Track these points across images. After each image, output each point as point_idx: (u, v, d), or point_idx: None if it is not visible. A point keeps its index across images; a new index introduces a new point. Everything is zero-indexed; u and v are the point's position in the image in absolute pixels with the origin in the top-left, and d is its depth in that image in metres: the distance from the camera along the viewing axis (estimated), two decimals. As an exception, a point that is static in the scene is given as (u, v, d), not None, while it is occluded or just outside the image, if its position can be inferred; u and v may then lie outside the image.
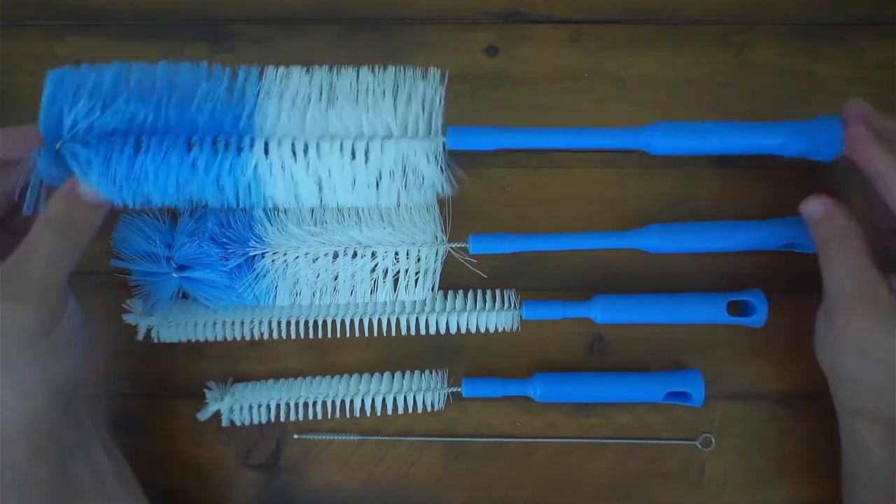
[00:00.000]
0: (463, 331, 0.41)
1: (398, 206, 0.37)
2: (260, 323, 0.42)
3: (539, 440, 0.43)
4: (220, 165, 0.34)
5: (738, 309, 0.41)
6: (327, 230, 0.39)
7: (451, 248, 0.40)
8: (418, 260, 0.39)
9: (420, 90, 0.35)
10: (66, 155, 0.33)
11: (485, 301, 0.41)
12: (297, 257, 0.39)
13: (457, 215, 0.40)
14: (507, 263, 0.42)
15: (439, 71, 0.36)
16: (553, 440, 0.43)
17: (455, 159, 0.41)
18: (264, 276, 0.39)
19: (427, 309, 0.41)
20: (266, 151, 0.34)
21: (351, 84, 0.35)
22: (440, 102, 0.35)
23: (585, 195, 0.43)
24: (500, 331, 0.41)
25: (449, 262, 0.40)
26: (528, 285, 0.43)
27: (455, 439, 0.43)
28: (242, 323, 0.41)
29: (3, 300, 0.31)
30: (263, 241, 0.38)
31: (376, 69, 0.36)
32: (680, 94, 0.44)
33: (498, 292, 0.42)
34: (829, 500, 0.40)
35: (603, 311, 0.41)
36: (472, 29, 0.45)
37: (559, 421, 0.43)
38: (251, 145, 0.34)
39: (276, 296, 0.39)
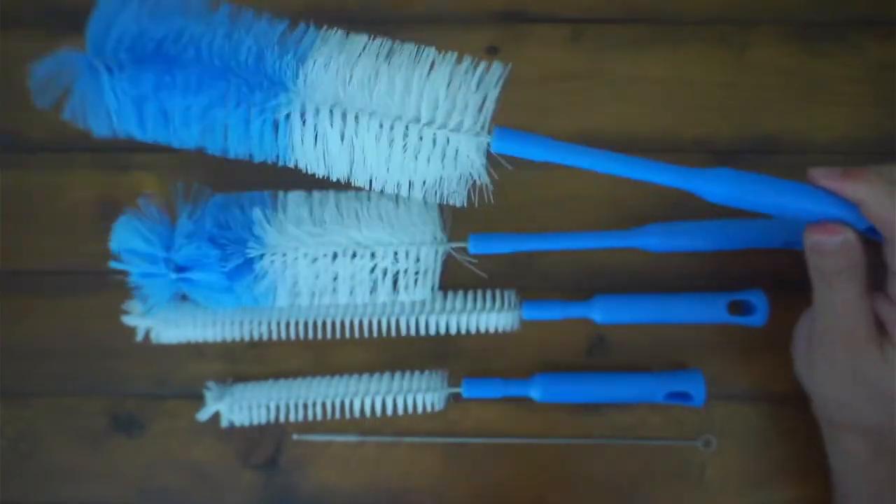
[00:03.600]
0: (463, 331, 0.41)
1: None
2: (259, 323, 0.42)
3: (539, 440, 0.43)
4: (255, 110, 0.32)
5: (739, 309, 0.41)
6: (326, 230, 0.38)
7: (450, 248, 0.40)
8: (417, 260, 0.39)
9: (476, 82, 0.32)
10: (108, 61, 0.31)
11: (485, 301, 0.41)
12: (296, 258, 0.39)
13: (456, 215, 0.40)
14: (507, 263, 0.42)
15: (503, 65, 0.32)
16: (553, 440, 0.43)
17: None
18: (263, 277, 0.38)
19: (427, 310, 0.41)
20: (303, 113, 0.32)
21: (407, 63, 0.32)
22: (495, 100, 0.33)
23: (585, 195, 0.43)
24: (500, 331, 0.41)
25: (449, 263, 0.40)
26: (528, 285, 0.43)
27: (455, 440, 0.43)
28: (242, 323, 0.41)
29: None
30: (262, 241, 0.38)
31: (437, 56, 0.32)
32: (680, 94, 0.44)
33: (498, 292, 0.41)
34: (829, 501, 0.40)
35: (603, 311, 0.41)
36: (472, 28, 0.45)
37: (559, 421, 0.43)
38: (290, 102, 0.32)
39: (275, 297, 0.39)
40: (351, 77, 0.31)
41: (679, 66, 0.44)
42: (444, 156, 0.33)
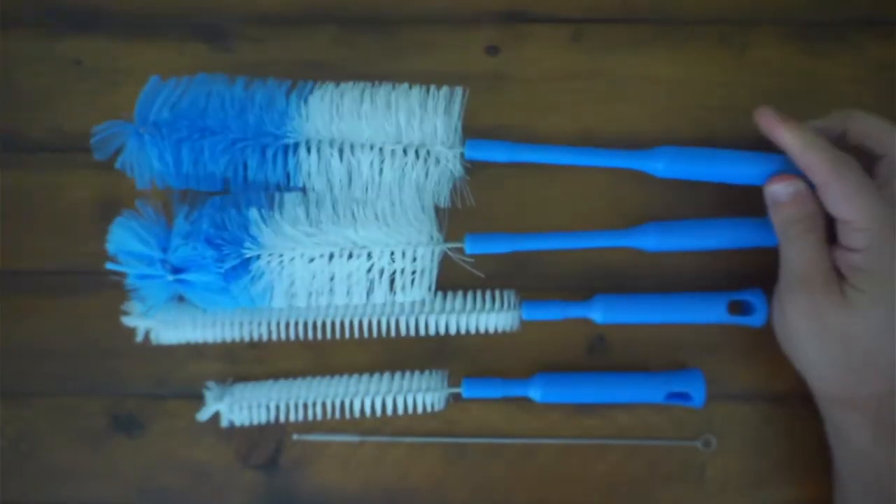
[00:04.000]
0: (463, 332, 0.41)
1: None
2: (259, 324, 0.41)
3: (539, 441, 0.43)
4: (269, 139, 0.40)
5: (739, 309, 0.41)
6: (322, 230, 0.38)
7: (447, 248, 0.40)
8: (414, 260, 0.39)
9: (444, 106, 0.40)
10: (151, 130, 0.39)
11: (484, 302, 0.41)
12: (292, 258, 0.39)
13: (454, 215, 0.40)
14: (507, 263, 0.42)
15: (462, 89, 0.40)
16: (553, 441, 0.43)
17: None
18: (260, 277, 0.38)
19: (426, 310, 0.41)
20: (308, 148, 0.40)
21: (385, 98, 0.40)
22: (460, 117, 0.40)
23: (585, 195, 0.43)
24: (499, 331, 0.41)
25: (449, 263, 0.40)
26: (528, 285, 0.43)
27: (455, 440, 0.43)
28: (242, 324, 0.41)
29: None
30: (258, 242, 0.38)
31: (410, 87, 0.40)
32: (680, 94, 0.44)
33: (497, 293, 0.41)
34: (829, 500, 0.40)
35: (603, 311, 0.41)
36: (472, 28, 0.45)
37: (559, 421, 0.43)
38: (296, 132, 0.40)
39: (271, 297, 0.39)
40: (341, 109, 0.39)
41: (679, 66, 0.44)
42: (426, 164, 0.40)
